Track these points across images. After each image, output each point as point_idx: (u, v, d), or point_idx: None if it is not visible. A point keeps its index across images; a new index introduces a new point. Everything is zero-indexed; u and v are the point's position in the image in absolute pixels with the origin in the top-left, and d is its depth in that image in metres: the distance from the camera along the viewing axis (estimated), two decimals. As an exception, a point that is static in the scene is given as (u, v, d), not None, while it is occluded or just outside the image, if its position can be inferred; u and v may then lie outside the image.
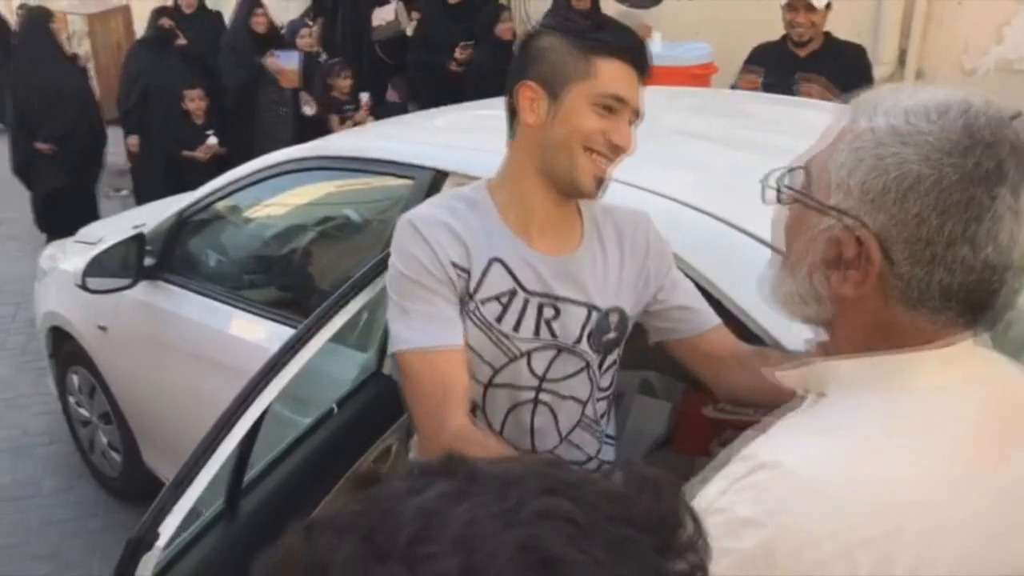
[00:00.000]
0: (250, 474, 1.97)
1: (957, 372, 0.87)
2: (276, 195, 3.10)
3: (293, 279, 3.09)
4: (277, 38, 6.94)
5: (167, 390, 3.12)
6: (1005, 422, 0.87)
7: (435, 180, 2.30)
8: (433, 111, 3.42)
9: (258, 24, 6.77)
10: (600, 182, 1.46)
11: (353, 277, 1.99)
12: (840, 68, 3.73)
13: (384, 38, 7.60)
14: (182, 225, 3.10)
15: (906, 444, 0.83)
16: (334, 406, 2.11)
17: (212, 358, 2.89)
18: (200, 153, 6.11)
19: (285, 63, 6.55)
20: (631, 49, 1.43)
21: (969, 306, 0.85)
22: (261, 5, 6.87)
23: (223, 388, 2.84)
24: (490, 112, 3.18)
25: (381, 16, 7.57)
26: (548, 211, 1.51)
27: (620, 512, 0.50)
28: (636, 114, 1.45)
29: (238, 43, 6.72)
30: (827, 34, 3.98)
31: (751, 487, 0.83)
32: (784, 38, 3.97)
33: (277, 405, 1.89)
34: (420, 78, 7.19)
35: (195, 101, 6.17)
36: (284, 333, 2.71)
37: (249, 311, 2.90)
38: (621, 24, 1.48)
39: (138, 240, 3.00)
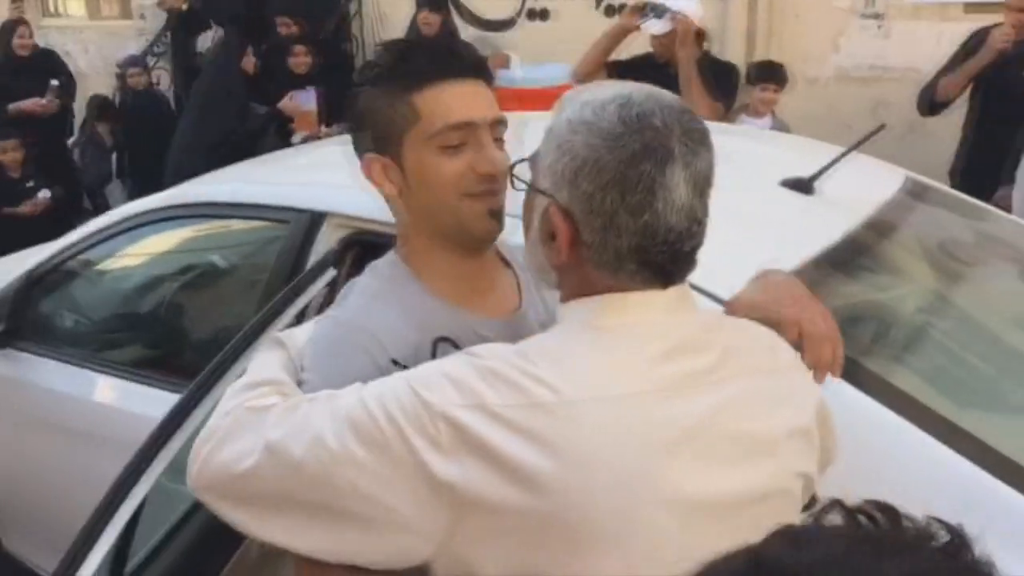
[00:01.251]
0: (134, 561, 1.80)
1: (642, 316, 1.03)
2: (136, 247, 2.90)
3: (160, 335, 2.89)
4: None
5: (28, 468, 2.86)
6: (689, 361, 1.03)
7: (313, 222, 2.19)
8: (299, 148, 3.29)
9: (248, 64, 5.74)
10: (495, 214, 1.23)
11: (238, 333, 1.85)
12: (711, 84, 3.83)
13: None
14: (32, 286, 2.85)
15: (589, 361, 1.01)
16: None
17: (76, 429, 2.66)
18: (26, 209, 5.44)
19: (304, 104, 5.58)
20: (446, 62, 1.20)
21: (643, 264, 1.02)
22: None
23: (92, 461, 2.64)
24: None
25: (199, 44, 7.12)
26: (472, 269, 1.28)
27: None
28: (497, 123, 1.22)
29: (234, 87, 5.43)
30: (705, 52, 4.07)
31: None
32: (647, 56, 4.05)
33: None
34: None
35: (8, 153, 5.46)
36: (154, 395, 2.55)
37: (114, 374, 2.69)
38: (431, 41, 1.34)
39: (-19, 307, 2.74)
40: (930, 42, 5.52)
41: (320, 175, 2.61)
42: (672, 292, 1.07)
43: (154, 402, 2.49)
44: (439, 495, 0.97)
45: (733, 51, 5.93)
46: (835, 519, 0.58)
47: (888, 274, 2.17)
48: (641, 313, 1.05)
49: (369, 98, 1.22)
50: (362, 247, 2.16)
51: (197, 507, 1.90)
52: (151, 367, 2.69)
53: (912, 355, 1.94)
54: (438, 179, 1.19)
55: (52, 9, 9.91)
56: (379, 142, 1.22)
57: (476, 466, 0.96)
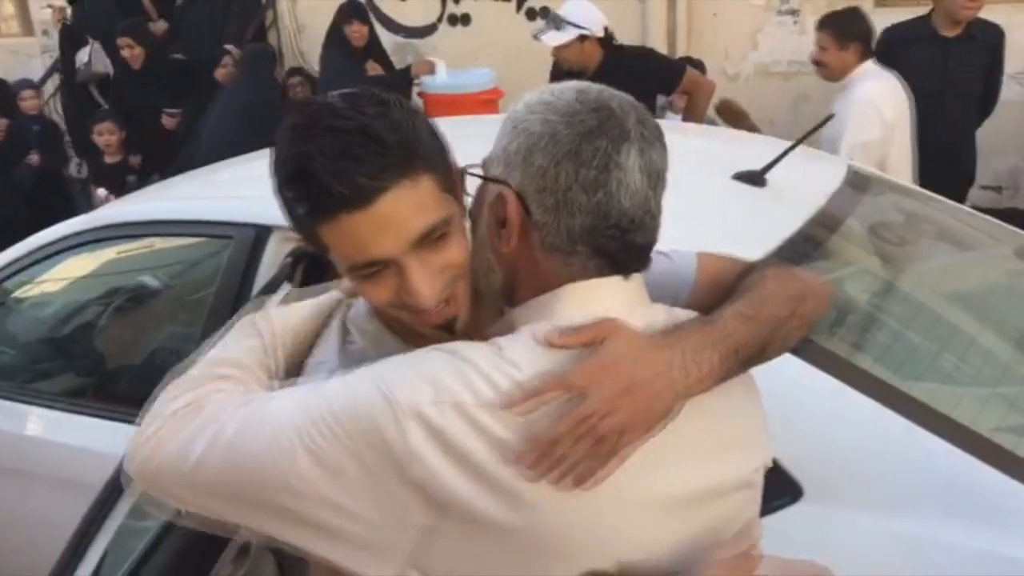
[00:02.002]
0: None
1: (596, 308, 0.98)
2: (62, 271, 2.75)
3: (95, 361, 2.76)
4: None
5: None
6: None
7: (259, 237, 2.10)
8: (228, 162, 3.18)
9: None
10: (443, 326, 1.07)
11: (178, 355, 1.74)
12: (630, 79, 3.81)
13: (83, 81, 6.69)
14: (-49, 319, 2.68)
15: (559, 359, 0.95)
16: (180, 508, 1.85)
17: (8, 467, 2.51)
18: None
19: None
20: (332, 191, 0.94)
21: (595, 250, 0.98)
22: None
23: (25, 501, 2.50)
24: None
25: (79, 58, 6.68)
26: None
27: None
28: (428, 234, 1.00)
29: (273, 98, 5.37)
30: (607, 54, 3.94)
31: None
32: None
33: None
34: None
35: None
36: (92, 425, 2.42)
37: (47, 406, 2.55)
38: (332, 143, 0.96)
39: None
40: (845, 36, 5.66)
41: (259, 188, 2.51)
42: (632, 282, 1.03)
43: (91, 432, 2.38)
44: (408, 499, 0.92)
45: (655, 46, 5.98)
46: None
47: (840, 261, 2.20)
48: (603, 301, 1.00)
49: (288, 204, 1.03)
50: (312, 259, 2.09)
51: (160, 541, 1.80)
52: (86, 396, 2.56)
53: (863, 335, 1.98)
54: (368, 299, 1.08)
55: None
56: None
57: (447, 466, 0.91)
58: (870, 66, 3.69)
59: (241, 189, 2.57)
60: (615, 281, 1.01)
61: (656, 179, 1.00)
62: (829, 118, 2.14)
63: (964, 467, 1.51)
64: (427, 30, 6.91)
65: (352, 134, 0.96)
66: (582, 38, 3.85)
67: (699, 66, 4.67)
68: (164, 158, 5.44)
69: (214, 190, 2.67)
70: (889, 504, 1.53)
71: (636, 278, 1.04)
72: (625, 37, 6.01)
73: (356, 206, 0.95)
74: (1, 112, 5.87)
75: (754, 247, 1.84)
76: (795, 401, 1.50)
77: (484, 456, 0.91)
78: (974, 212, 2.86)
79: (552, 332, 0.96)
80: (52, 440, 2.47)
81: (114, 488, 1.48)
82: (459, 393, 0.92)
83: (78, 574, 1.41)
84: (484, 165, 1.06)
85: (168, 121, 5.86)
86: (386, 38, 6.91)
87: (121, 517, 1.56)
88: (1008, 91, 5.06)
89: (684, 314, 1.07)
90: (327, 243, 1.00)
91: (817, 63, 3.80)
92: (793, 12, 5.76)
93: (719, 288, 1.12)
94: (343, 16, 5.52)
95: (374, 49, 5.76)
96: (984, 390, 1.94)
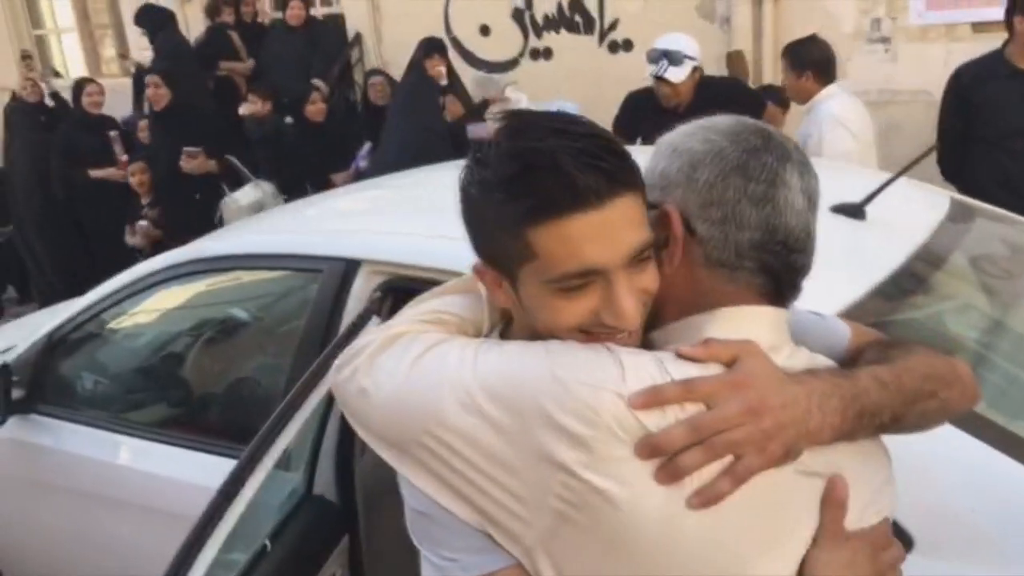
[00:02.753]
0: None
1: (744, 332, 0.97)
2: (157, 304, 2.82)
3: (185, 393, 2.80)
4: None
5: (50, 537, 2.75)
6: None
7: (348, 271, 2.11)
8: (321, 196, 3.23)
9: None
10: None
11: (267, 387, 1.76)
12: (719, 110, 3.76)
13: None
14: (53, 348, 2.76)
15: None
16: (266, 541, 1.86)
17: (101, 494, 2.56)
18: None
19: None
20: (575, 188, 0.92)
21: (761, 266, 0.98)
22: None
23: (117, 528, 2.55)
24: (393, 192, 3.04)
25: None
26: None
27: None
28: (639, 253, 0.96)
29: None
30: (707, 78, 4.01)
31: None
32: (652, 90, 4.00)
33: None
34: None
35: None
36: (180, 455, 2.46)
37: (138, 435, 2.60)
38: (565, 142, 0.94)
39: (1, 372, 2.65)
40: (938, 63, 5.50)
41: (350, 222, 2.54)
42: (782, 316, 1.03)
43: (180, 462, 2.41)
44: (551, 479, 0.89)
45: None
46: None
47: (944, 296, 2.11)
48: (753, 330, 0.98)
49: (479, 205, 0.99)
50: (400, 293, 2.09)
51: (250, 572, 1.80)
52: (176, 427, 2.60)
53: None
54: (552, 319, 0.99)
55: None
56: (492, 257, 1.02)
57: (590, 454, 0.89)
58: (833, 89, 3.77)
59: (330, 223, 2.60)
60: (768, 311, 1.01)
61: (813, 204, 1.01)
62: (931, 150, 2.05)
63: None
64: (509, 64, 6.96)
65: (585, 138, 0.95)
66: (694, 70, 3.88)
67: (779, 90, 4.60)
68: (179, 202, 5.55)
69: (303, 224, 2.70)
70: (1004, 558, 1.43)
71: (784, 314, 1.03)
72: (710, 67, 6.02)
73: (591, 205, 0.92)
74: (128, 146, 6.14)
75: (856, 282, 1.77)
76: (904, 445, 1.43)
77: (626, 451, 0.89)
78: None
79: (689, 345, 0.95)
80: (142, 469, 2.51)
81: (208, 522, 1.48)
82: (617, 384, 0.90)
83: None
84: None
85: (187, 163, 5.59)
86: (469, 73, 7.01)
87: (216, 550, 1.56)
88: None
89: (824, 361, 1.05)
90: (537, 248, 0.94)
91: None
92: (884, 40, 5.62)
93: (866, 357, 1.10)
94: (423, 52, 5.61)
95: (453, 85, 5.85)
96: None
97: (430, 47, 5.68)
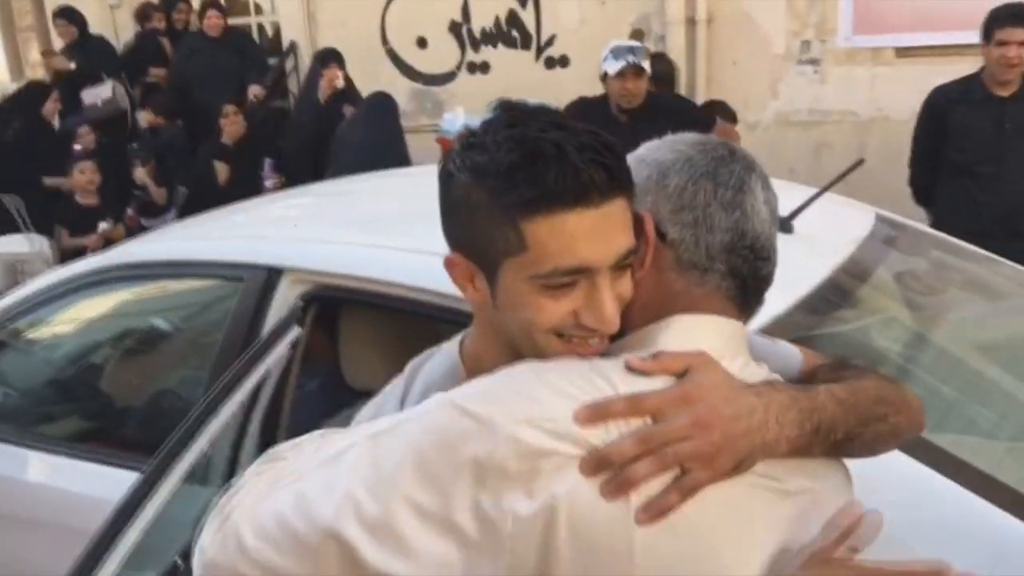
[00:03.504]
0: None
1: (701, 343, 0.96)
2: (71, 313, 2.70)
3: (100, 405, 2.70)
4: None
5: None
6: None
7: (269, 279, 2.05)
8: (241, 205, 3.15)
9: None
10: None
11: (186, 399, 1.69)
12: (668, 121, 3.79)
13: (98, 118, 6.65)
14: (-43, 358, 2.63)
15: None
16: (177, 559, 1.77)
17: (6, 513, 2.44)
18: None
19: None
20: (578, 183, 0.90)
21: (731, 270, 0.99)
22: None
23: (25, 548, 2.42)
24: (318, 199, 2.98)
25: (95, 94, 6.75)
26: None
27: None
28: (624, 258, 0.96)
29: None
30: (649, 94, 4.03)
31: None
32: (604, 99, 4.00)
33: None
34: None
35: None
36: (93, 470, 2.35)
37: (49, 450, 2.48)
38: (568, 135, 0.93)
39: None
40: (865, 86, 5.65)
41: (272, 230, 2.47)
42: (741, 330, 1.03)
43: (94, 479, 2.31)
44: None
45: (674, 99, 5.99)
46: None
47: (868, 309, 2.13)
48: (708, 339, 0.98)
49: (466, 192, 0.95)
50: (324, 303, 2.03)
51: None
52: (90, 440, 2.50)
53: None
54: (530, 315, 0.96)
55: None
56: (470, 248, 0.98)
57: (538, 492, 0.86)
58: None
59: (254, 230, 2.53)
60: (724, 321, 1.01)
61: (775, 217, 1.04)
62: (859, 163, 2.08)
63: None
64: (446, 77, 6.94)
65: (586, 133, 0.94)
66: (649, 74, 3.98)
67: (725, 106, 4.66)
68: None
69: (227, 231, 2.62)
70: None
71: (741, 327, 1.03)
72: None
73: (591, 201, 0.91)
74: None
75: (782, 294, 1.77)
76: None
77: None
78: (1002, 261, 2.78)
79: (637, 358, 0.93)
80: (54, 486, 2.40)
81: (105, 538, 1.40)
82: (551, 409, 0.88)
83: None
84: None
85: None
86: (404, 84, 6.96)
87: (117, 564, 1.49)
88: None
89: (772, 376, 1.04)
90: (530, 240, 0.92)
91: None
92: (813, 62, 5.74)
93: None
94: (321, 62, 5.65)
95: (351, 95, 5.91)
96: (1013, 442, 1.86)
97: (324, 57, 5.86)
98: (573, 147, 0.91)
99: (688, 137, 1.06)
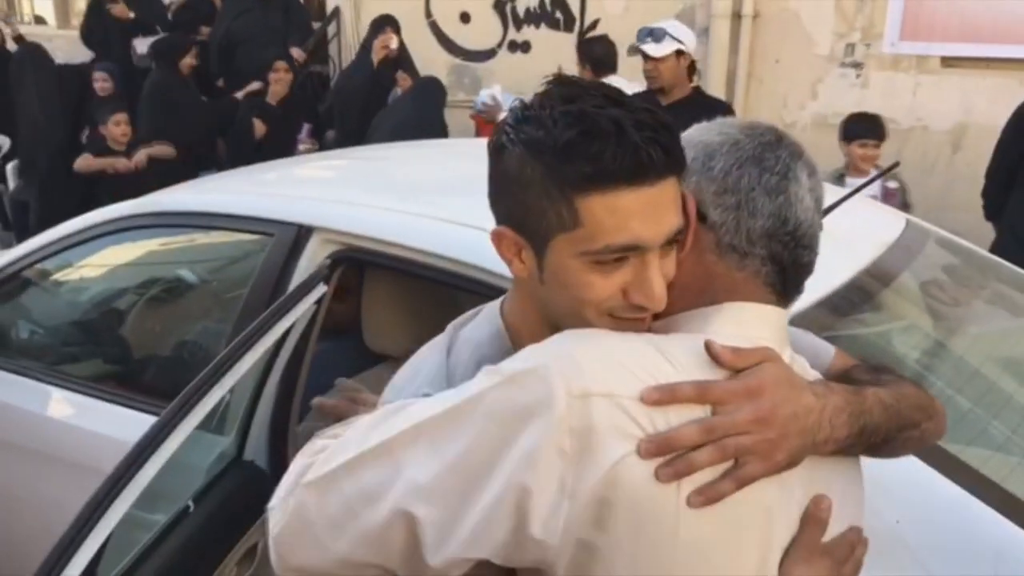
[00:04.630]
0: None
1: (752, 332, 0.98)
2: (102, 257, 2.74)
3: (123, 350, 2.74)
4: None
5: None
6: None
7: (299, 236, 2.07)
8: (279, 162, 3.17)
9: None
10: None
11: (209, 350, 1.72)
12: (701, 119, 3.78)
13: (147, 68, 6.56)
14: (-12, 292, 2.68)
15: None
16: (189, 502, 1.81)
17: (28, 447, 2.49)
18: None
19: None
20: (635, 160, 0.90)
21: (770, 255, 0.99)
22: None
23: (43, 482, 2.47)
24: (355, 163, 2.99)
25: (147, 44, 6.65)
26: None
27: None
28: (675, 236, 0.96)
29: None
30: (696, 88, 4.10)
31: None
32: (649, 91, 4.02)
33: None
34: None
35: None
36: (113, 412, 2.39)
37: (71, 388, 2.53)
38: (624, 113, 0.92)
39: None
40: (907, 93, 5.57)
41: (306, 188, 2.49)
42: (785, 315, 1.04)
43: (113, 420, 2.35)
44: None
45: (713, 91, 5.94)
46: None
47: (890, 316, 2.13)
48: (759, 328, 1.00)
49: (520, 166, 0.94)
50: (352, 264, 2.06)
51: (159, 538, 1.75)
52: (111, 383, 2.54)
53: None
54: (579, 292, 0.96)
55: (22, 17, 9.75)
56: (520, 222, 0.98)
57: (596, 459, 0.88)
58: (612, 80, 4.25)
59: (286, 188, 2.56)
60: (773, 311, 1.02)
61: (819, 205, 1.03)
62: (895, 165, 2.07)
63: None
64: (487, 54, 6.92)
65: (643, 111, 0.94)
66: (679, 53, 3.93)
67: (877, 123, 4.33)
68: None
69: (259, 187, 2.65)
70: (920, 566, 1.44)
71: (785, 316, 1.04)
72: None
73: (648, 180, 0.92)
74: None
75: (804, 291, 1.78)
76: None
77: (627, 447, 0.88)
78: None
79: (722, 345, 0.94)
80: (73, 424, 2.45)
81: (121, 475, 1.44)
82: (613, 384, 0.88)
83: (76, 560, 1.35)
84: None
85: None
86: (445, 59, 6.96)
87: (127, 505, 1.52)
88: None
89: (814, 374, 1.07)
90: (584, 216, 0.92)
91: None
92: (856, 65, 5.67)
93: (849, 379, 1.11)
94: (374, 27, 5.69)
95: (404, 61, 5.92)
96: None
97: (383, 21, 5.86)
98: (631, 124, 0.91)
99: (737, 120, 1.07)
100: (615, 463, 0.86)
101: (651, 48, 3.89)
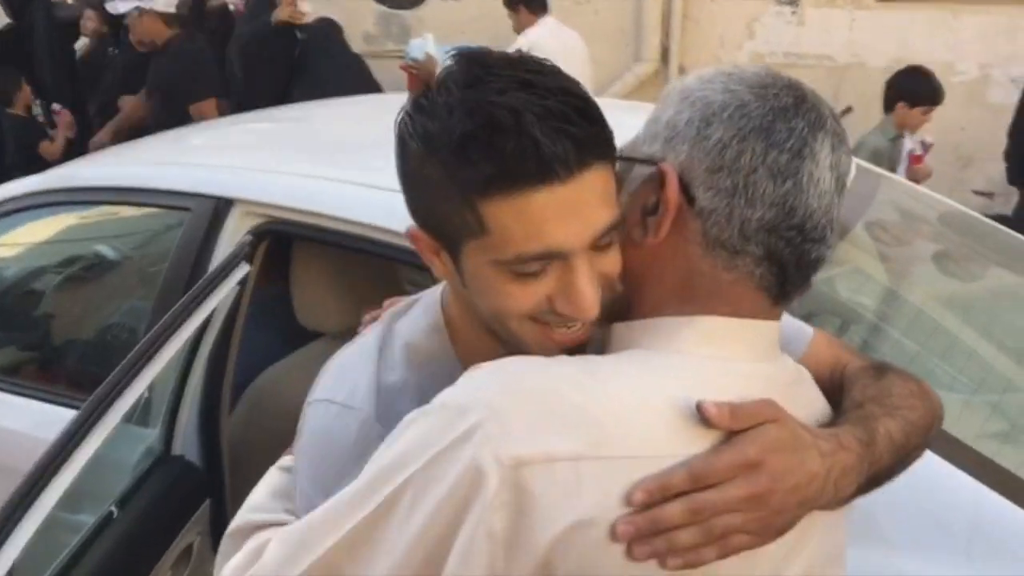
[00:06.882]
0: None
1: (724, 351, 0.83)
2: (10, 236, 2.56)
3: (39, 336, 2.57)
4: None
5: None
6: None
7: (218, 210, 1.93)
8: (196, 127, 2.99)
9: None
10: (570, 349, 0.88)
11: (129, 333, 1.59)
12: None
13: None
14: None
15: (648, 383, 0.80)
16: (113, 508, 1.68)
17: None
18: None
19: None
20: (540, 156, 0.77)
21: (768, 254, 0.82)
22: None
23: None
24: (276, 125, 2.82)
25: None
26: None
27: None
28: (605, 235, 0.83)
29: None
30: None
31: None
32: None
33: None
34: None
35: None
36: (28, 406, 2.24)
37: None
38: (529, 98, 0.79)
39: None
40: (843, 30, 5.54)
41: (225, 157, 2.33)
42: (776, 326, 0.88)
43: (28, 413, 2.20)
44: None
45: (649, 33, 5.85)
46: None
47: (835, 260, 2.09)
48: (736, 348, 0.84)
49: (419, 163, 0.83)
50: (276, 238, 1.92)
51: (94, 538, 1.64)
52: (27, 374, 2.39)
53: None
54: (498, 302, 0.85)
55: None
56: (431, 224, 0.86)
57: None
58: (546, 20, 4.82)
59: (206, 157, 2.39)
60: (759, 326, 0.86)
61: (842, 185, 0.85)
62: (847, 111, 1.99)
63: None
64: (416, 1, 6.69)
65: (555, 94, 0.79)
66: None
67: (936, 86, 3.93)
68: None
69: (176, 156, 2.48)
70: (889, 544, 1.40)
71: (776, 327, 0.88)
72: (619, 21, 5.91)
73: (556, 178, 0.78)
74: None
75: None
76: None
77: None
78: (970, 212, 2.76)
79: (714, 407, 0.77)
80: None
81: (42, 473, 1.32)
82: (553, 443, 0.75)
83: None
84: (626, 148, 0.89)
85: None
86: (372, 8, 6.71)
87: (49, 507, 1.40)
88: (1006, 95, 4.97)
89: (806, 374, 0.93)
90: (489, 223, 0.80)
91: None
92: (792, 2, 5.61)
93: (832, 376, 0.98)
94: None
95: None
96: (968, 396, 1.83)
97: None
98: (534, 115, 0.77)
99: (749, 73, 0.86)
100: (557, 536, 0.74)
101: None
